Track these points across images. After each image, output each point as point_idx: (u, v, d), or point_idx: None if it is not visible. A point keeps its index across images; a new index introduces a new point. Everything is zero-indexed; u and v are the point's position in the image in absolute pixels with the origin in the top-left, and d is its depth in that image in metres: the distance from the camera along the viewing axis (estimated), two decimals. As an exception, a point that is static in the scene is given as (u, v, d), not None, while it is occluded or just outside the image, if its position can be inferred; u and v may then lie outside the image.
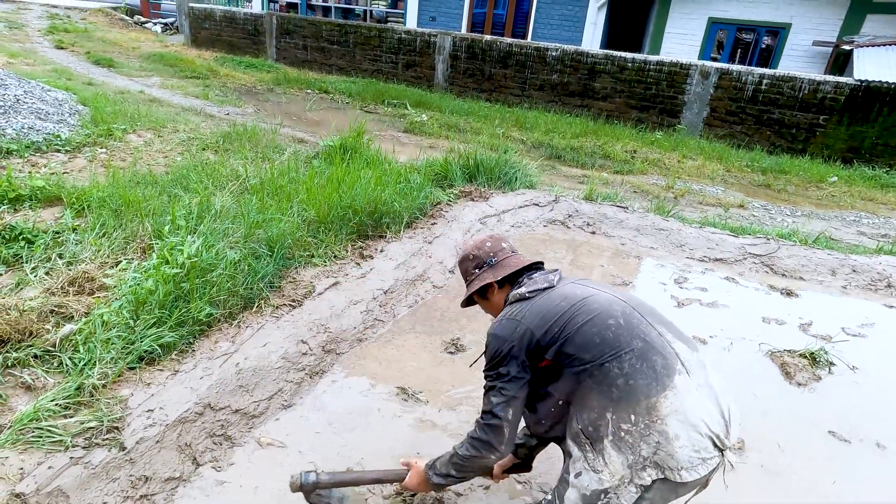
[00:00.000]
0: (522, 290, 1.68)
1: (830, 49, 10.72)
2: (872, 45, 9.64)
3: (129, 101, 7.63)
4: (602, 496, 1.42)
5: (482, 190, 5.10)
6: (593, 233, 4.78)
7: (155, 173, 4.67)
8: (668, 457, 1.36)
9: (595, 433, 1.43)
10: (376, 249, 3.70)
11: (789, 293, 3.97)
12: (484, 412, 1.58)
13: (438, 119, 9.49)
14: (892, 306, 3.85)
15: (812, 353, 3.16)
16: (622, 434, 1.39)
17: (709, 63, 9.34)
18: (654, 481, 1.38)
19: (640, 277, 4.07)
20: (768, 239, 4.60)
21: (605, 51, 10.15)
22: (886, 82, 8.07)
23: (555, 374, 1.53)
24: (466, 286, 1.85)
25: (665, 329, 1.52)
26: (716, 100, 9.29)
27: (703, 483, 1.47)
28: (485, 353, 1.64)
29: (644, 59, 9.69)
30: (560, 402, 1.54)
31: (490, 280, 1.77)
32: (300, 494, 1.76)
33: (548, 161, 7.76)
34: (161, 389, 2.24)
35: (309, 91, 11.05)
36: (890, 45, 9.59)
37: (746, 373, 3.05)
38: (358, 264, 3.55)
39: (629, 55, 9.80)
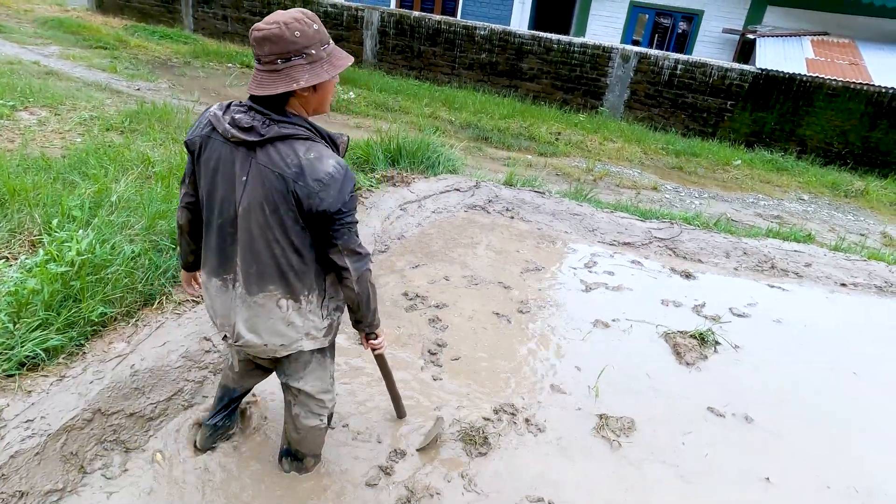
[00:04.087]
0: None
1: (738, 37, 11.35)
2: (772, 36, 10.29)
3: (20, 74, 6.97)
4: None
5: (404, 174, 5.09)
6: (512, 218, 4.90)
7: (49, 157, 4.33)
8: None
9: None
10: (289, 240, 3.63)
11: (688, 275, 4.26)
12: (360, 245, 1.69)
13: (366, 97, 9.32)
14: (773, 286, 4.22)
15: (701, 334, 3.42)
16: None
17: (629, 47, 9.65)
18: None
19: (552, 262, 4.23)
20: (672, 223, 4.89)
21: (532, 31, 10.25)
22: (783, 72, 8.67)
23: None
24: (303, 65, 1.49)
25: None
26: (636, 83, 9.64)
27: (238, 352, 2.06)
28: (336, 187, 1.55)
29: (569, 41, 9.88)
30: None
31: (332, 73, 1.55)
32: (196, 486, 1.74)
33: (475, 143, 7.83)
34: (44, 397, 2.13)
35: (230, 65, 10.53)
36: (787, 36, 10.28)
37: (642, 354, 3.27)
38: (270, 255, 3.48)
39: (555, 36, 9.96)
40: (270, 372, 2.22)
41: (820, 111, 8.66)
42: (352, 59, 1.62)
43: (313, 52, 1.49)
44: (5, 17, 11.54)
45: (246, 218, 1.60)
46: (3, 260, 2.98)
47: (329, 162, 1.55)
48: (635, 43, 12.37)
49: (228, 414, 2.31)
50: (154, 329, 2.62)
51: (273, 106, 1.54)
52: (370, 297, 1.77)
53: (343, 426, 2.47)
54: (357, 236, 1.67)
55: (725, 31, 11.47)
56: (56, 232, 2.86)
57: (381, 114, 8.50)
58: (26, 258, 2.84)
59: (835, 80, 8.51)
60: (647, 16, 12.26)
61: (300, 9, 1.54)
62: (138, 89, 7.79)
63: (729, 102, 9.13)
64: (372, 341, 1.94)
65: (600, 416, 2.72)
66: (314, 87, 1.54)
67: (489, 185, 5.22)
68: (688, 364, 3.23)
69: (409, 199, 4.65)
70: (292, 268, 1.66)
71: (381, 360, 2.19)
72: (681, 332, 3.46)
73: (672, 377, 3.11)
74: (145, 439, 2.27)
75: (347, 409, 2.57)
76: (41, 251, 2.75)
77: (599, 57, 9.71)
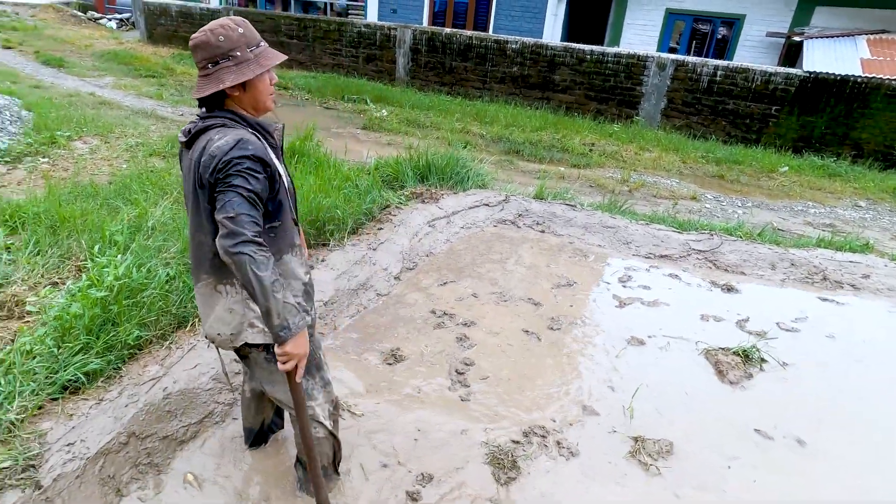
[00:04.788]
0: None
1: (783, 40, 10.93)
2: (822, 37, 9.86)
3: (77, 105, 7.39)
4: None
5: (433, 191, 5.09)
6: (542, 231, 4.82)
7: (97, 184, 4.55)
8: None
9: None
10: (317, 259, 3.68)
11: (730, 289, 4.07)
12: (236, 220, 1.49)
13: (398, 114, 9.44)
14: (825, 299, 3.99)
15: (745, 351, 3.26)
16: None
17: (665, 55, 9.45)
18: None
19: (585, 276, 4.13)
20: (712, 234, 4.71)
21: (565, 43, 10.19)
22: (833, 74, 8.29)
23: None
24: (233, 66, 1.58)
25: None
26: (673, 91, 9.42)
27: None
28: (220, 156, 1.52)
29: (602, 52, 9.76)
30: None
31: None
32: None
33: (506, 156, 7.79)
34: (83, 421, 2.21)
35: (268, 87, 10.84)
36: (838, 36, 9.83)
37: (680, 372, 3.13)
38: (300, 275, 3.53)
39: (587, 47, 9.86)
40: (268, 403, 2.27)
41: (878, 113, 8.21)
42: (282, 57, 1.66)
43: (238, 54, 1.57)
44: (69, 53, 12.32)
45: (190, 213, 1.68)
46: (53, 285, 3.12)
47: (226, 139, 1.54)
48: (672, 51, 12.11)
49: (267, 440, 2.41)
50: (186, 351, 2.68)
51: (213, 108, 1.64)
52: (255, 289, 1.48)
53: (371, 448, 2.45)
54: (232, 209, 1.47)
55: (769, 34, 11.07)
56: (97, 257, 2.98)
57: (412, 130, 8.57)
58: (72, 283, 2.96)
59: (895, 79, 8.05)
60: (684, 23, 11.99)
61: (230, 17, 1.65)
62: (181, 115, 8.13)
63: (774, 108, 8.79)
64: (276, 349, 1.59)
65: (636, 439, 2.61)
66: (244, 87, 1.61)
67: (519, 199, 5.16)
68: (731, 383, 3.07)
69: (437, 215, 4.65)
70: (216, 253, 1.61)
71: (290, 383, 1.70)
72: (723, 349, 3.30)
73: (714, 397, 2.96)
74: (178, 462, 2.31)
75: (372, 431, 2.55)
76: (84, 276, 2.88)
77: (634, 66, 9.54)
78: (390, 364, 3.00)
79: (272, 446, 2.41)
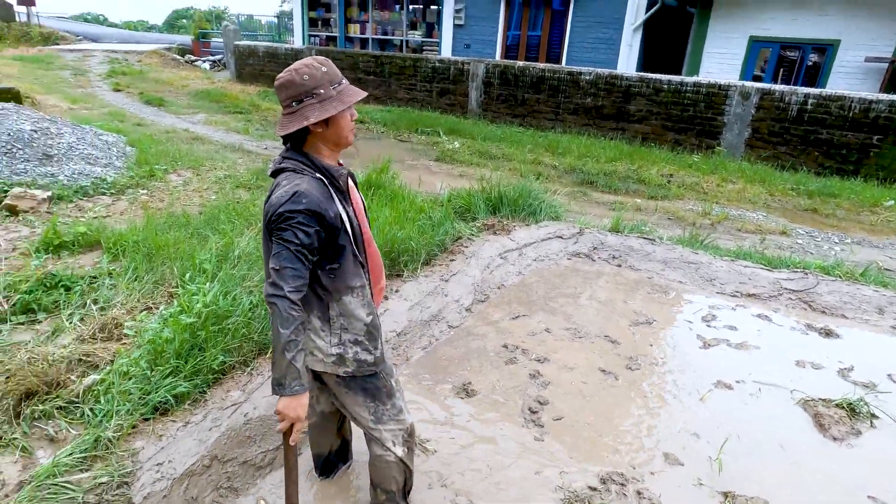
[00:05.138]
0: None
1: (886, 65, 10.17)
2: (931, 59, 9.09)
3: (173, 141, 8.04)
4: None
5: (505, 223, 5.07)
6: (619, 266, 4.66)
7: (189, 214, 4.88)
8: None
9: None
10: (391, 290, 3.73)
11: (829, 333, 3.74)
12: (279, 271, 1.59)
13: (470, 146, 9.55)
14: (944, 348, 3.57)
15: (850, 404, 2.95)
16: None
17: (749, 83, 9.05)
18: None
19: (665, 314, 3.93)
20: (806, 273, 4.36)
21: (640, 73, 10.00)
22: (946, 99, 7.60)
23: None
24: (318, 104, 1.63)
25: None
26: (757, 120, 8.97)
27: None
28: (275, 207, 1.62)
29: (680, 81, 9.49)
30: None
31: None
32: None
33: (580, 187, 7.66)
34: (171, 442, 2.31)
35: (346, 122, 11.34)
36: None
37: (774, 423, 2.88)
38: (374, 306, 3.59)
39: (665, 77, 9.62)
40: (334, 427, 2.27)
41: None
42: (363, 94, 1.71)
43: (322, 91, 1.63)
44: (168, 93, 13.51)
45: None
46: (148, 310, 3.35)
47: (286, 188, 1.61)
48: (756, 79, 11.56)
49: (335, 472, 2.41)
50: (266, 378, 2.76)
51: (295, 145, 1.70)
52: (274, 340, 1.59)
53: (441, 486, 2.40)
54: (278, 262, 1.57)
55: (869, 59, 10.32)
56: (187, 285, 3.17)
57: (484, 162, 8.64)
58: (165, 309, 3.16)
59: None
60: (770, 50, 11.47)
61: (313, 56, 1.69)
62: (266, 148, 8.64)
63: (875, 137, 8.15)
64: (277, 407, 1.65)
65: (725, 495, 2.41)
66: (326, 123, 1.65)
67: (593, 232, 5.03)
68: (834, 439, 2.78)
69: (509, 247, 4.61)
70: None
71: (284, 444, 1.76)
72: (823, 400, 3.01)
73: (815, 453, 2.69)
74: (255, 487, 2.36)
75: (443, 467, 2.50)
76: (175, 302, 3.06)
77: (715, 95, 9.20)
78: (462, 398, 2.95)
79: (342, 477, 2.42)
